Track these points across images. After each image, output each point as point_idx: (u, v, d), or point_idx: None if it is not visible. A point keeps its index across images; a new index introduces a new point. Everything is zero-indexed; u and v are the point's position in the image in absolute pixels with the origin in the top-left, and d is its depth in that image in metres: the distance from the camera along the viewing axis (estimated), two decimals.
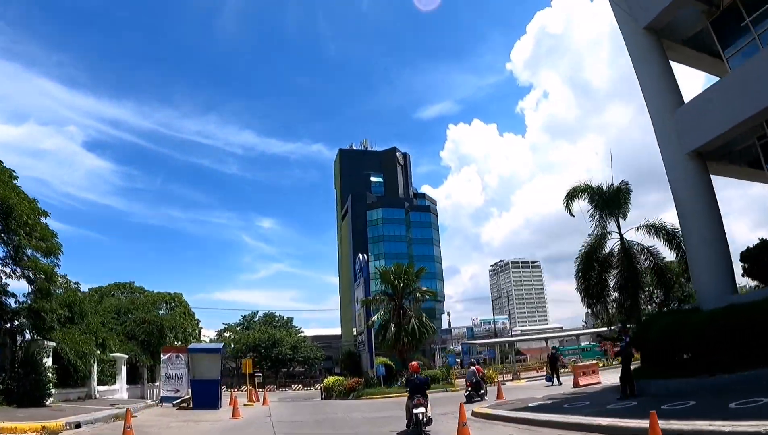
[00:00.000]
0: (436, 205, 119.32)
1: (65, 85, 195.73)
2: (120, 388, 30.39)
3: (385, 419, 17.14)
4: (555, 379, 26.82)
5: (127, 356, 31.64)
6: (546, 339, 53.63)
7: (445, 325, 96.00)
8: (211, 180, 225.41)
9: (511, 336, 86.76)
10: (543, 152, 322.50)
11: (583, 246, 20.64)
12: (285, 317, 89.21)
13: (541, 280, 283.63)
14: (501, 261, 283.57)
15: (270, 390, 66.44)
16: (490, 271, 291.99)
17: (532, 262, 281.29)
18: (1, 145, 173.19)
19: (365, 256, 50.18)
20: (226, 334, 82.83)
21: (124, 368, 31.13)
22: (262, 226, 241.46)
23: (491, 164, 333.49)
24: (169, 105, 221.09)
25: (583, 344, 56.95)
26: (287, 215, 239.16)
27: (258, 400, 30.11)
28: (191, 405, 23.70)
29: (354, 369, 45.83)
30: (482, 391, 23.49)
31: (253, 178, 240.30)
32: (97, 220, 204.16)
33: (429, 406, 11.91)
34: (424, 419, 11.49)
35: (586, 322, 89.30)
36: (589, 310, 21.05)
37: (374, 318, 35.30)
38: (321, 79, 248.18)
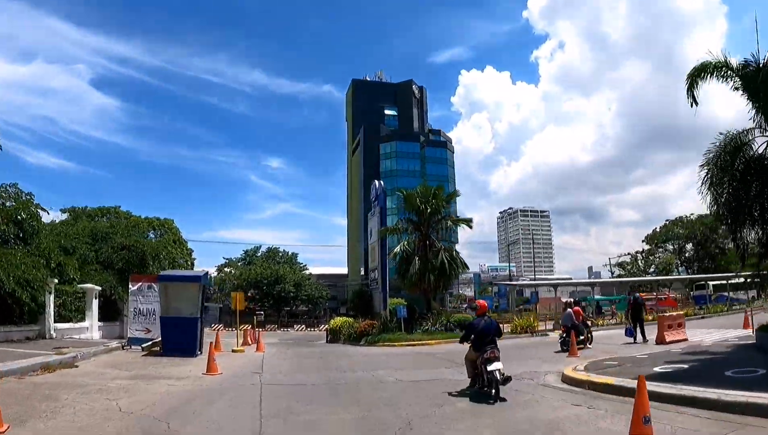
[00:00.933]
0: (452, 144, 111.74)
1: (73, 23, 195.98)
2: (90, 326, 25.10)
3: (430, 383, 11.47)
4: (639, 334, 20.83)
5: (99, 288, 26.19)
6: (592, 285, 48.13)
7: None
8: (219, 119, 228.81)
9: (535, 280, 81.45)
10: (555, 103, 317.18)
11: (711, 149, 14.10)
12: (289, 253, 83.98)
13: (550, 230, 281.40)
14: (510, 208, 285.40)
15: (271, 330, 61.73)
16: (498, 218, 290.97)
17: (542, 212, 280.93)
18: (9, 84, 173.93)
19: (381, 182, 43.92)
20: (227, 270, 77.83)
21: (95, 302, 25.69)
22: (270, 165, 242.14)
23: (502, 112, 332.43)
24: (178, 43, 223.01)
25: (614, 296, 51.58)
26: (295, 156, 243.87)
27: (253, 343, 24.49)
28: (162, 350, 18.04)
29: (364, 310, 40.54)
30: (582, 337, 19.43)
31: (262, 118, 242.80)
32: (105, 158, 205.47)
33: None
34: (501, 377, 8.79)
35: (610, 272, 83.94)
36: (732, 237, 14.70)
37: (396, 250, 29.29)
38: (333, 22, 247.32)
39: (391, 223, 40.35)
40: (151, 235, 38.96)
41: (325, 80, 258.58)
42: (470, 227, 30.90)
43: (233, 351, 21.58)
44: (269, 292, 71.24)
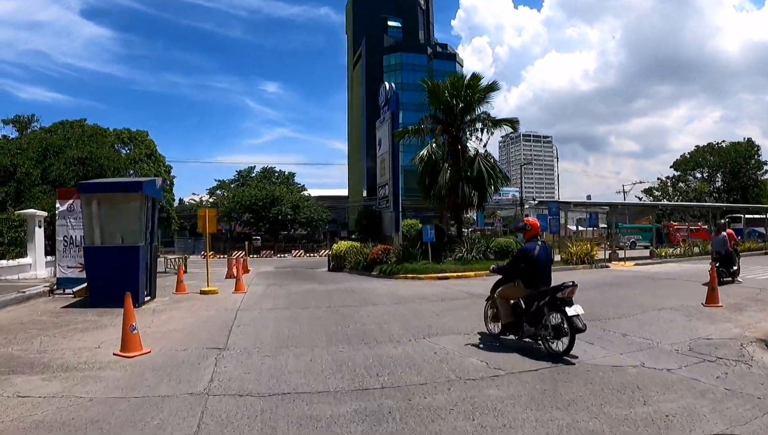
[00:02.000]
0: (461, 58, 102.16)
1: None
2: (33, 263, 19.48)
3: None
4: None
5: (44, 214, 20.23)
6: (654, 207, 42.02)
7: None
8: (214, 44, 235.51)
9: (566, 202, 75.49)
10: (558, 29, 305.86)
11: None
12: (286, 172, 77.21)
13: (552, 155, 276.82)
14: (512, 132, 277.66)
15: (267, 256, 56.30)
16: (500, 142, 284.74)
17: (544, 137, 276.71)
18: None
19: (392, 84, 36.89)
20: (219, 192, 71.54)
21: (39, 232, 19.81)
22: (266, 90, 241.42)
23: (503, 37, 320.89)
24: None
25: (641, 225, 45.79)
26: (292, 80, 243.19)
27: (236, 276, 18.66)
28: (90, 297, 12.09)
29: (372, 232, 34.51)
30: (735, 268, 14.97)
31: (258, 42, 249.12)
32: (99, 89, 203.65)
33: None
34: (581, 324, 6.23)
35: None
36: None
37: (423, 152, 22.71)
38: None
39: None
40: (124, 151, 32.48)
41: (322, 2, 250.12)
42: (515, 129, 24.28)
43: (201, 292, 15.68)
44: (265, 216, 65.29)
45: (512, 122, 22.87)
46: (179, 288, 16.23)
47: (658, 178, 69.95)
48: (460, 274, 19.24)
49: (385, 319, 10.18)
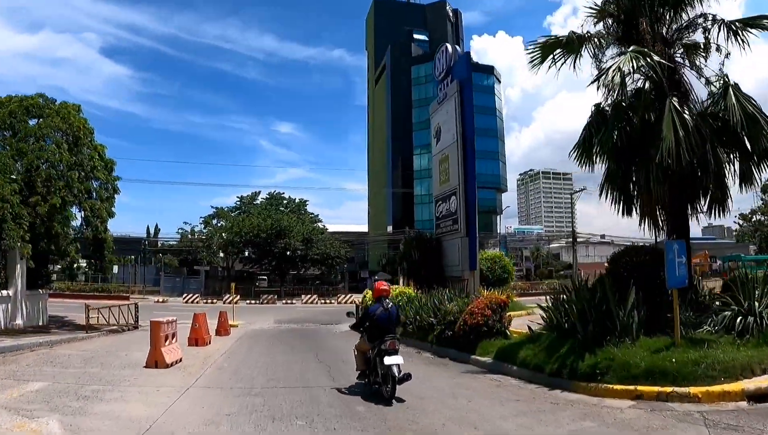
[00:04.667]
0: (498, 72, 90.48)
1: None
2: None
3: None
4: None
5: None
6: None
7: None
8: (231, 85, 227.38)
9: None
10: (568, 70, 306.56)
11: None
12: (296, 200, 64.51)
13: (571, 192, 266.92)
14: (531, 170, 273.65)
15: (270, 302, 43.23)
16: (518, 180, 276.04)
17: (564, 174, 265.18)
18: (18, 55, 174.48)
19: (456, 47, 24.79)
20: (215, 222, 59.10)
21: None
22: (280, 130, 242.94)
23: (514, 78, 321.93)
24: (189, 9, 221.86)
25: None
26: (307, 121, 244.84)
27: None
28: None
29: (428, 270, 21.80)
30: None
31: (274, 84, 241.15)
32: (119, 127, 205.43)
33: None
34: (401, 374, 7.21)
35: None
36: None
37: (615, 73, 9.61)
38: None
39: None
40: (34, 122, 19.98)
41: (336, 44, 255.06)
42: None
43: None
44: (270, 250, 52.68)
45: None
46: None
47: (763, 200, 56.41)
48: None
49: None
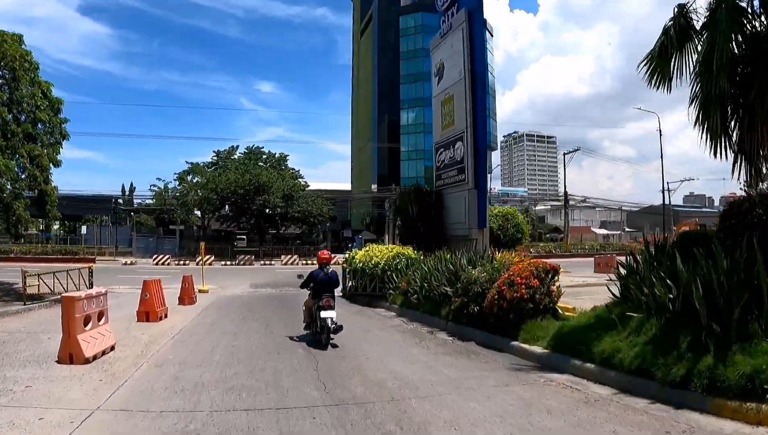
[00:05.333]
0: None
1: None
2: None
3: None
4: None
5: None
6: None
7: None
8: (210, 43, 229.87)
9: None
10: (553, 34, 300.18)
11: None
12: (276, 154, 60.67)
13: (555, 156, 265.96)
14: (515, 132, 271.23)
15: (247, 262, 40.16)
16: (501, 142, 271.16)
17: (548, 137, 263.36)
18: None
19: None
20: (189, 178, 55.27)
21: None
22: (261, 90, 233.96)
23: (499, 41, 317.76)
24: None
25: None
26: (288, 80, 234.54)
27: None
28: None
29: (428, 227, 18.89)
30: None
31: (255, 42, 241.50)
32: (94, 86, 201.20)
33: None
34: (333, 326, 8.82)
35: None
36: None
37: None
38: None
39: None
40: None
41: (319, 2, 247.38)
42: None
43: None
44: (248, 208, 49.27)
45: None
46: None
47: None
48: None
49: None
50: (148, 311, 11.31)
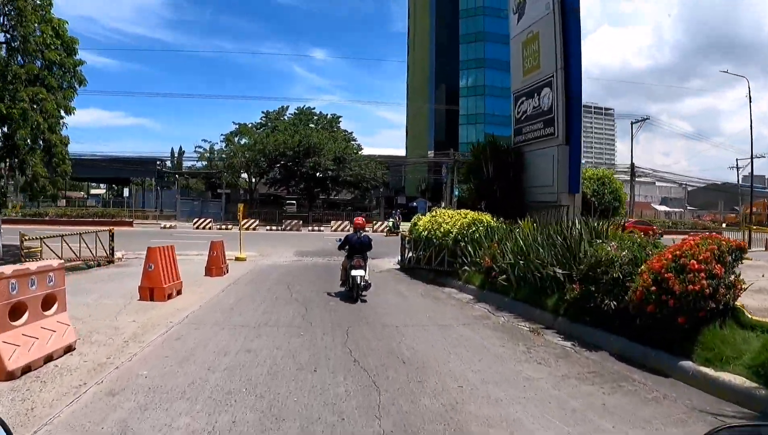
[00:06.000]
0: None
1: None
2: None
3: None
4: None
5: None
6: None
7: None
8: (263, 10, 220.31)
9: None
10: (612, 2, 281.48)
11: None
12: (328, 115, 57.74)
13: (613, 128, 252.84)
14: None
15: (295, 228, 37.84)
16: None
17: (606, 109, 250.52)
18: None
19: None
20: (236, 139, 53.13)
21: None
22: (315, 57, 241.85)
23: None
24: None
25: None
26: (341, 47, 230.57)
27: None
28: None
29: (506, 190, 15.60)
30: None
31: (308, 8, 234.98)
32: (148, 54, 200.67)
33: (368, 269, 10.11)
34: (362, 283, 9.74)
35: None
36: None
37: None
38: None
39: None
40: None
41: None
42: None
43: None
44: (297, 171, 46.83)
45: None
46: None
47: None
48: None
49: None
50: (153, 287, 8.69)
